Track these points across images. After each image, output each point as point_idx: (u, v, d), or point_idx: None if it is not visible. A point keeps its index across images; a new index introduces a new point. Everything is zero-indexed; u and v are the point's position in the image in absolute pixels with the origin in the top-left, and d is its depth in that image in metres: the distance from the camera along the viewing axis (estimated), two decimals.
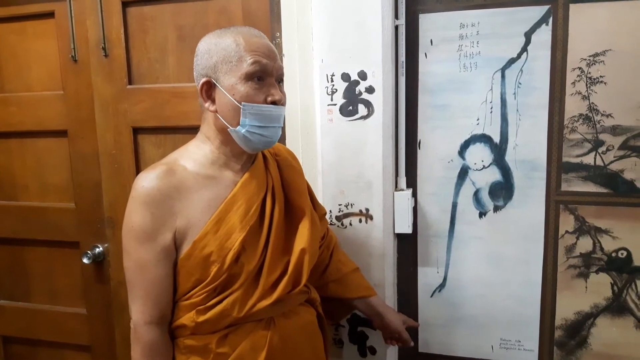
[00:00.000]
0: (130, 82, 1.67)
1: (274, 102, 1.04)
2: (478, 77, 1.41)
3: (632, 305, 1.39)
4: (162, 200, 1.02)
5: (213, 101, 1.05)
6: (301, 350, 1.17)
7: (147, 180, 1.03)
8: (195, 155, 1.09)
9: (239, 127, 1.03)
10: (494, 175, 1.44)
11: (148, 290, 1.05)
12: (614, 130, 1.34)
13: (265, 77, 1.03)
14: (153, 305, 1.05)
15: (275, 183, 1.15)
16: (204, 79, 1.04)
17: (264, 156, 1.17)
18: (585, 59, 1.33)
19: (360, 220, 1.44)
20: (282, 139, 1.50)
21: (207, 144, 1.10)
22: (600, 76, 1.32)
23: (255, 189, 1.10)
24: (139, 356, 1.07)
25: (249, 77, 1.01)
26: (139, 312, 1.06)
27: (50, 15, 1.70)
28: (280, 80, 1.08)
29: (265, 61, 1.02)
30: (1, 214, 1.89)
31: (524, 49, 1.37)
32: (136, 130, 1.69)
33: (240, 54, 1.01)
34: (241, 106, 1.01)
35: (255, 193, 1.09)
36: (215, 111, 1.05)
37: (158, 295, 1.05)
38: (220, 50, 1.02)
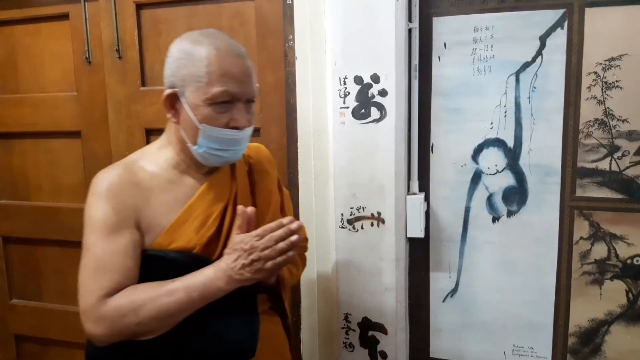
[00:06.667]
0: (143, 84, 1.68)
1: (236, 127, 1.00)
2: (492, 80, 1.40)
3: None
4: (123, 194, 0.99)
5: (177, 112, 1.02)
6: None
7: (106, 177, 1.01)
8: (155, 157, 1.06)
9: (196, 146, 1.01)
10: (508, 179, 1.43)
11: (106, 271, 0.94)
12: (630, 135, 1.32)
13: (233, 100, 1.00)
14: (109, 282, 0.93)
15: (241, 189, 1.10)
16: (169, 91, 1.00)
17: None
18: (601, 64, 1.31)
19: (372, 224, 1.44)
20: (294, 142, 1.51)
21: (168, 148, 1.07)
22: (616, 81, 1.31)
23: (214, 199, 1.05)
24: (116, 319, 0.92)
25: (214, 101, 0.98)
26: (88, 292, 0.94)
27: (64, 17, 1.71)
28: (251, 101, 1.03)
29: (234, 90, 0.98)
30: (15, 214, 1.91)
31: (539, 53, 1.35)
32: (149, 132, 1.70)
33: (210, 77, 0.96)
34: (200, 128, 0.99)
35: (213, 203, 1.05)
36: (177, 123, 1.02)
37: (121, 279, 0.95)
38: (190, 64, 0.98)
